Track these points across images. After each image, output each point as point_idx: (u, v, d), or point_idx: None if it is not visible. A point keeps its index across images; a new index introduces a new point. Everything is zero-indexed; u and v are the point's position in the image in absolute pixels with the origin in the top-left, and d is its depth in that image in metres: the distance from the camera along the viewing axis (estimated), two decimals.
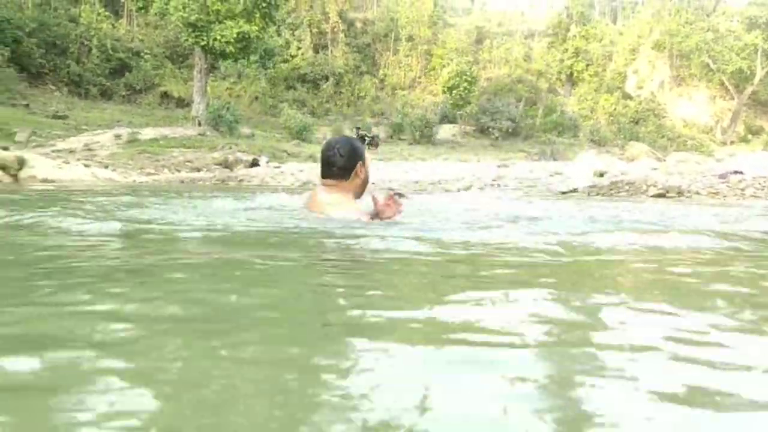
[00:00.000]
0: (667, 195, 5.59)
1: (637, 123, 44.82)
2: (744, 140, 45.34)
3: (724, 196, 5.25)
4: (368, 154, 3.00)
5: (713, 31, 45.32)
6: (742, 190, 5.36)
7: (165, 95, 34.13)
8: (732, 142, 44.65)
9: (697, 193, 5.52)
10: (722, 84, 47.28)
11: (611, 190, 6.21)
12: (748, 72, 44.57)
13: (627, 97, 47.58)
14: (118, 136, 19.66)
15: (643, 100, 47.62)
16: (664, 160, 16.82)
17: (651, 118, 46.16)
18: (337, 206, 2.79)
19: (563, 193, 6.37)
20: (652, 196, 5.66)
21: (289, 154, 20.95)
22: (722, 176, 6.26)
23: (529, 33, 52.32)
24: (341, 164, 2.84)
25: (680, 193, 5.57)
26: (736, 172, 6.26)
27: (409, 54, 44.19)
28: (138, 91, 33.64)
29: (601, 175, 12.01)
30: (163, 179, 13.42)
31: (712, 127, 48.14)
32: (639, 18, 53.92)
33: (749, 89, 45.71)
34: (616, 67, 49.66)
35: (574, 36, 45.96)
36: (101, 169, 13.55)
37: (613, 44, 50.99)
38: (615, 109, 45.27)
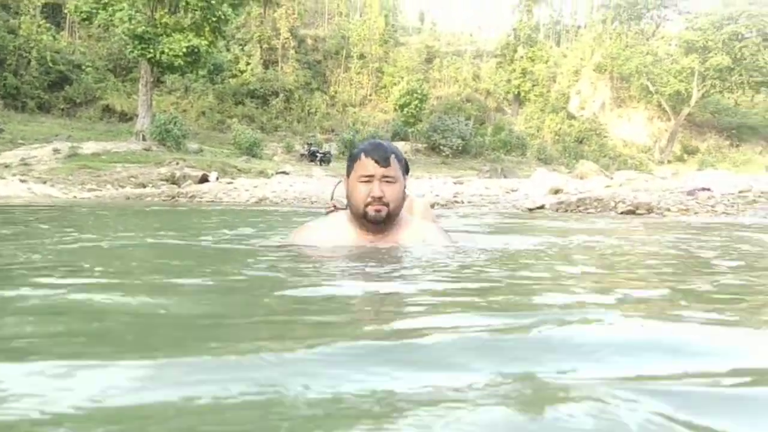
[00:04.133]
0: (637, 212, 5.55)
1: (581, 142, 46.12)
2: (680, 160, 47.32)
3: (696, 213, 5.25)
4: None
5: (652, 54, 47.29)
6: (713, 206, 5.37)
7: (107, 109, 32.94)
8: (669, 162, 46.50)
9: (668, 209, 5.50)
10: (660, 105, 49.33)
11: (579, 206, 6.15)
12: (685, 94, 46.64)
13: (571, 117, 48.98)
14: (56, 151, 18.73)
15: (586, 120, 49.11)
16: (612, 178, 17.18)
17: (593, 138, 47.60)
18: None
19: (530, 210, 6.28)
20: (622, 213, 5.62)
21: (239, 170, 20.42)
22: (690, 193, 6.31)
23: (477, 53, 53.35)
24: None
25: (650, 209, 5.54)
26: (703, 189, 6.31)
27: (360, 71, 44.25)
28: (78, 104, 32.36)
29: (557, 192, 12.11)
30: (106, 195, 12.78)
31: (650, 147, 50.07)
32: (581, 41, 55.84)
33: (686, 111, 47.81)
34: (561, 88, 51.14)
35: (521, 57, 47.08)
36: (39, 184, 12.80)
37: (557, 66, 52.55)
38: (560, 128, 46.47)
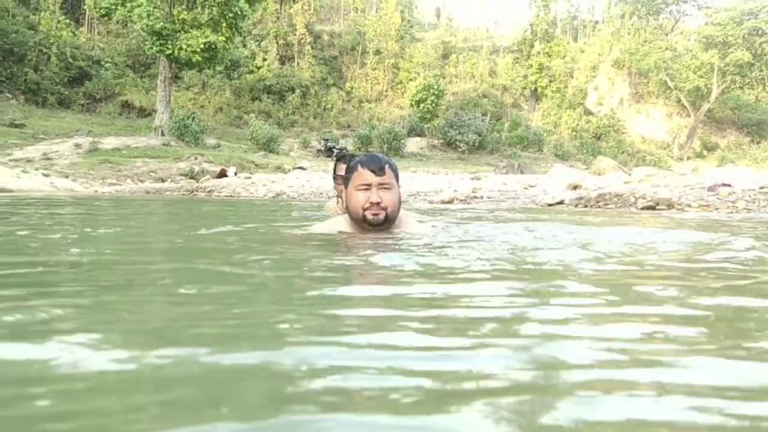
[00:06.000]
0: (657, 207, 5.54)
1: (598, 138, 45.74)
2: (700, 156, 46.73)
3: (716, 209, 5.23)
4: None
5: (671, 49, 46.71)
6: (734, 202, 5.33)
7: (126, 104, 33.28)
8: (688, 158, 45.95)
9: (689, 205, 5.48)
10: (679, 101, 48.74)
11: (599, 202, 6.14)
12: (705, 90, 46.02)
13: (588, 113, 48.55)
14: (78, 146, 18.98)
15: (603, 116, 48.66)
16: (630, 174, 17.04)
17: (611, 134, 47.18)
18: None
19: (550, 205, 6.28)
20: (642, 209, 5.61)
21: (257, 165, 20.55)
22: (711, 189, 6.25)
23: (493, 49, 53.03)
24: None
25: (670, 205, 5.52)
26: (724, 185, 6.26)
27: (376, 67, 44.21)
28: (98, 100, 32.74)
29: (575, 188, 12.05)
30: (126, 190, 12.95)
31: (669, 144, 49.52)
32: (599, 36, 55.31)
33: (705, 107, 47.20)
34: (578, 84, 50.70)
35: (538, 53, 46.73)
36: (61, 179, 13.00)
37: (575, 61, 52.09)
38: (577, 124, 46.10)
